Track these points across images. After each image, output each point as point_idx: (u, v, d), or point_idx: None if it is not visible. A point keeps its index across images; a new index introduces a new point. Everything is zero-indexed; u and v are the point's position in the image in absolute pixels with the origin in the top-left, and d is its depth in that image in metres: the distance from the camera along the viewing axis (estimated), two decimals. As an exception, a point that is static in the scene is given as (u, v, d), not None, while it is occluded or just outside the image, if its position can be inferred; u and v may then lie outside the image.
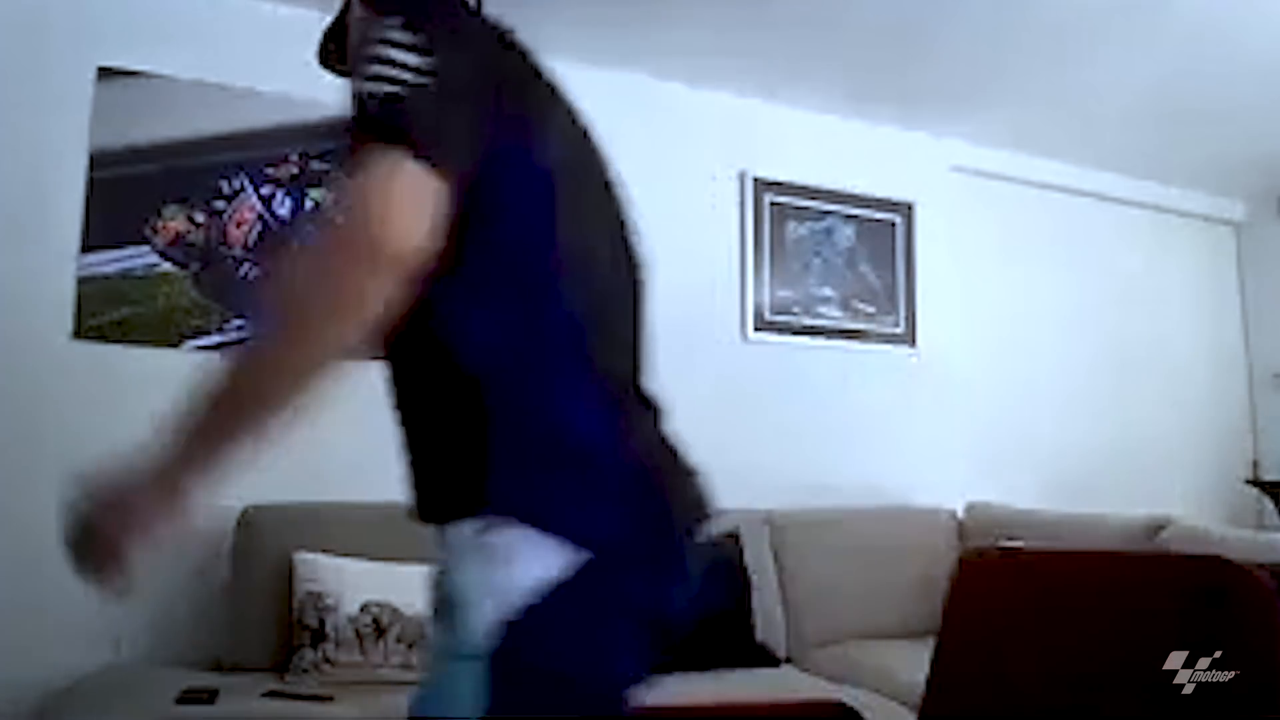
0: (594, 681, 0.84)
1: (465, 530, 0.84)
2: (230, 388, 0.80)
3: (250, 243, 2.67)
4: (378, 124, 0.79)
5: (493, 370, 0.86)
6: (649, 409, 0.99)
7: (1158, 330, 4.22)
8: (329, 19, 1.07)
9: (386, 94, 0.79)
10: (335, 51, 1.07)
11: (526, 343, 0.88)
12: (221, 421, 0.80)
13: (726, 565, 2.72)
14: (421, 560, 1.30)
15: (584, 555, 0.82)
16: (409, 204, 0.76)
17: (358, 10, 0.98)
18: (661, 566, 0.89)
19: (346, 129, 0.82)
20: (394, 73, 0.80)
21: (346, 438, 2.12)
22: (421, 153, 0.77)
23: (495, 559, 0.82)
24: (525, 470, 0.85)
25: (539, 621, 0.80)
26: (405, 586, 2.18)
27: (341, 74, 1.03)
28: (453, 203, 0.80)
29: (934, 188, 3.73)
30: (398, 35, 0.82)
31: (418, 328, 0.85)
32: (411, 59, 0.81)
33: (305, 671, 2.19)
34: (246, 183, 2.67)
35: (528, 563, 0.81)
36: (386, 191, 0.76)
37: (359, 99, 0.81)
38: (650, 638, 0.88)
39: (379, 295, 0.76)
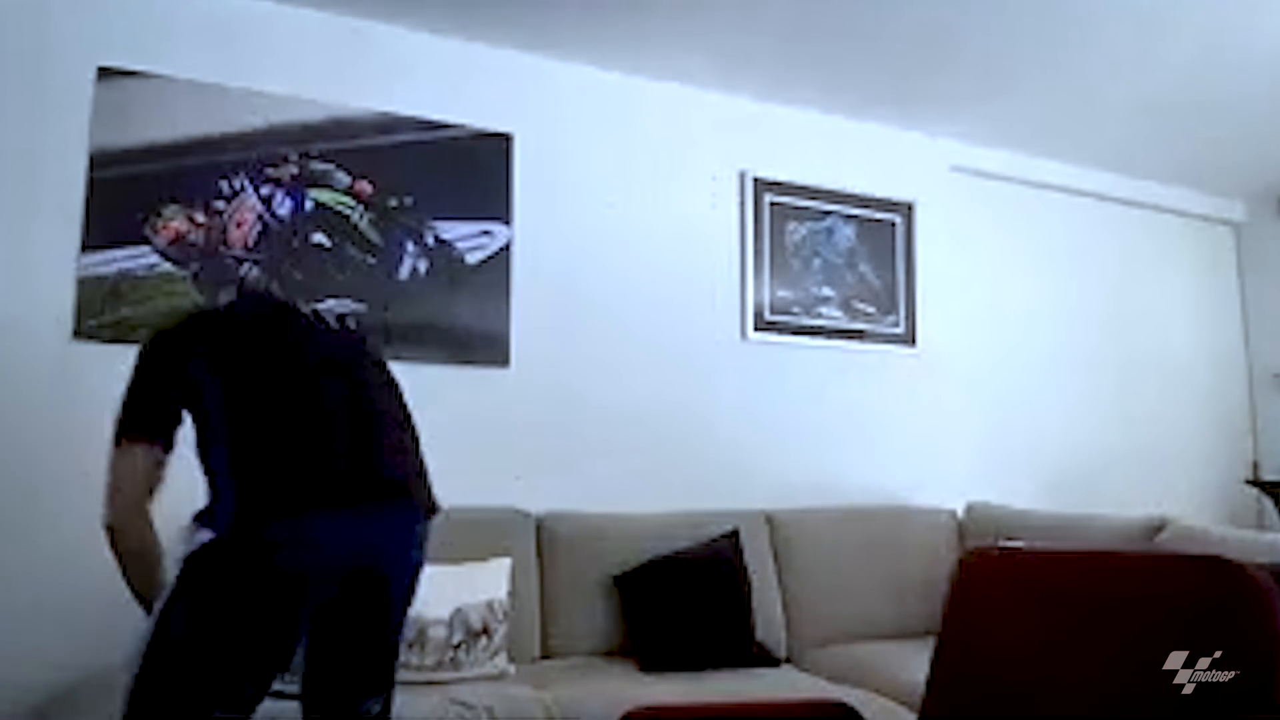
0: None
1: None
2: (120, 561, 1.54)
3: (250, 243, 2.67)
4: (115, 434, 1.53)
5: None
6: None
7: (1157, 330, 4.22)
8: None
9: (119, 414, 1.55)
10: None
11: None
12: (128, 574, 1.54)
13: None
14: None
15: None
16: (127, 474, 1.52)
17: None
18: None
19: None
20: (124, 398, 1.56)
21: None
22: (133, 440, 1.53)
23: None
24: None
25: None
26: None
27: None
28: (165, 444, 1.55)
29: (934, 188, 3.74)
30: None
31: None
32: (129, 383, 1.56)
33: (305, 671, 2.18)
34: (246, 183, 2.68)
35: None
36: (117, 469, 1.52)
37: None
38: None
39: (129, 517, 1.51)
